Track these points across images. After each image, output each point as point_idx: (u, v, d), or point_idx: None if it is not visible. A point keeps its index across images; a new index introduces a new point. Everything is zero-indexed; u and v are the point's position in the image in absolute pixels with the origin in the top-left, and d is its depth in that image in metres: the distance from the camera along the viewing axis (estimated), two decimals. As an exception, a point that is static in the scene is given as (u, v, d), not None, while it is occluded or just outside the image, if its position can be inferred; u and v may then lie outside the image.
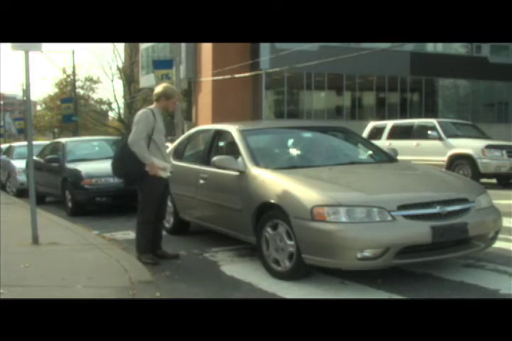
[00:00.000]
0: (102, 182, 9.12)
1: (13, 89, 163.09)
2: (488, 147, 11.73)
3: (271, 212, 4.71)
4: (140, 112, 5.45)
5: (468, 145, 11.96)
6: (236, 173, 5.25)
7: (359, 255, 4.11)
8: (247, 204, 5.04)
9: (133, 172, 5.34)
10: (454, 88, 33.63)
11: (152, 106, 5.51)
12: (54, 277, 4.65)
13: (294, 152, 5.93)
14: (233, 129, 5.83)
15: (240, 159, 5.33)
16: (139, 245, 5.47)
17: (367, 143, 6.46)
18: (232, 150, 5.60)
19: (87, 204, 9.36)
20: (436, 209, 4.33)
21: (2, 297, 3.96)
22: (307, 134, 6.35)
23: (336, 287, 4.40)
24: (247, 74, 24.93)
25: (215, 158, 5.39)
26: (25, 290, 4.26)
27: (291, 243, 4.47)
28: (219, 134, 6.19)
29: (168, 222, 6.78)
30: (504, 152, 11.70)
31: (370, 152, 6.05)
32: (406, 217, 4.24)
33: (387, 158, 5.83)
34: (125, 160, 5.35)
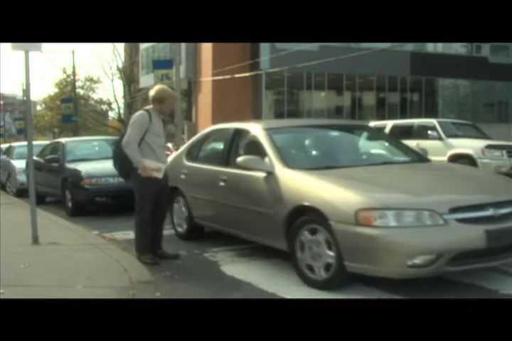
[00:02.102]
0: (102, 182, 9.11)
1: (13, 89, 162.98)
2: (488, 147, 11.72)
3: (307, 216, 4.38)
4: (137, 114, 5.44)
5: (468, 145, 11.95)
6: (263, 174, 4.91)
7: (409, 262, 3.82)
8: (277, 207, 4.68)
9: (128, 170, 5.43)
10: (454, 88, 33.63)
11: (149, 107, 5.48)
12: (54, 277, 4.64)
13: (323, 151, 5.53)
14: (257, 128, 5.50)
15: (266, 159, 4.99)
16: (138, 245, 5.46)
17: (395, 141, 6.13)
18: (255, 150, 5.23)
19: (87, 204, 9.35)
20: (490, 212, 4.05)
21: (2, 297, 3.96)
22: (333, 133, 5.98)
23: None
24: (247, 74, 24.91)
25: (239, 159, 5.08)
26: (25, 290, 4.25)
27: (332, 254, 4.17)
28: (239, 133, 5.80)
29: (181, 226, 6.48)
30: (504, 152, 11.68)
31: (401, 151, 5.76)
32: (459, 220, 3.94)
33: (418, 157, 5.55)
34: (120, 160, 5.45)
